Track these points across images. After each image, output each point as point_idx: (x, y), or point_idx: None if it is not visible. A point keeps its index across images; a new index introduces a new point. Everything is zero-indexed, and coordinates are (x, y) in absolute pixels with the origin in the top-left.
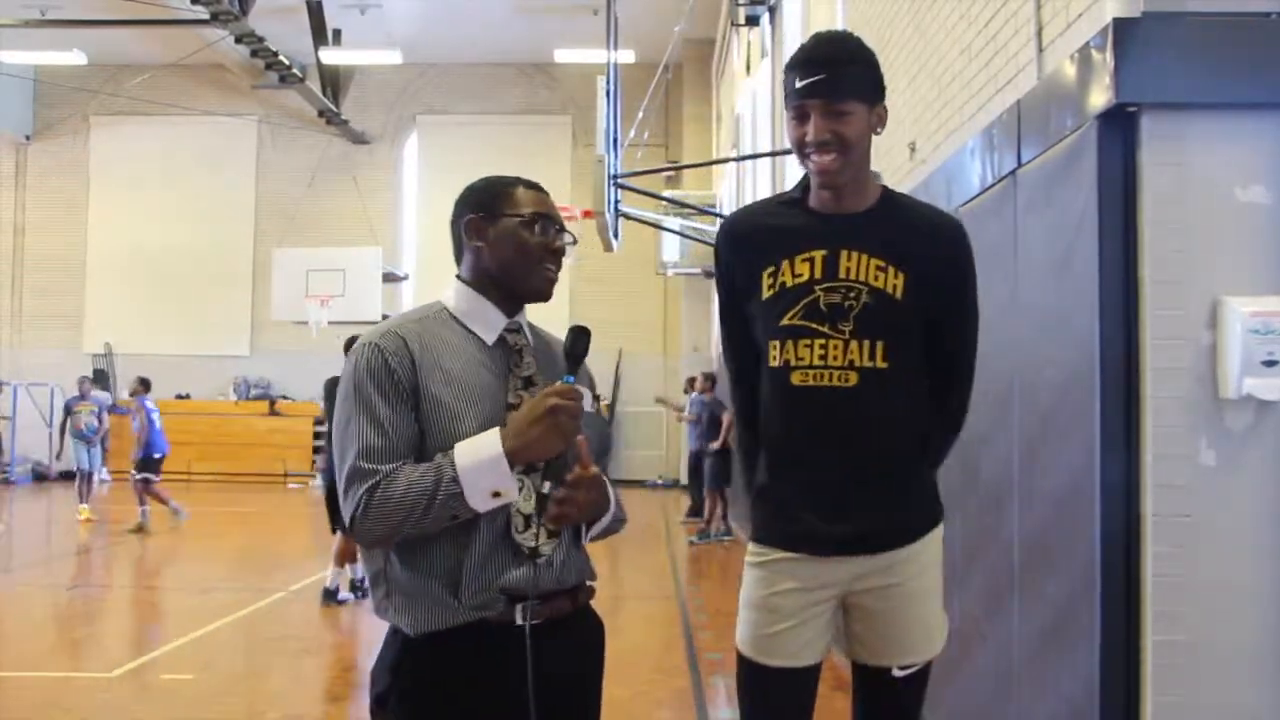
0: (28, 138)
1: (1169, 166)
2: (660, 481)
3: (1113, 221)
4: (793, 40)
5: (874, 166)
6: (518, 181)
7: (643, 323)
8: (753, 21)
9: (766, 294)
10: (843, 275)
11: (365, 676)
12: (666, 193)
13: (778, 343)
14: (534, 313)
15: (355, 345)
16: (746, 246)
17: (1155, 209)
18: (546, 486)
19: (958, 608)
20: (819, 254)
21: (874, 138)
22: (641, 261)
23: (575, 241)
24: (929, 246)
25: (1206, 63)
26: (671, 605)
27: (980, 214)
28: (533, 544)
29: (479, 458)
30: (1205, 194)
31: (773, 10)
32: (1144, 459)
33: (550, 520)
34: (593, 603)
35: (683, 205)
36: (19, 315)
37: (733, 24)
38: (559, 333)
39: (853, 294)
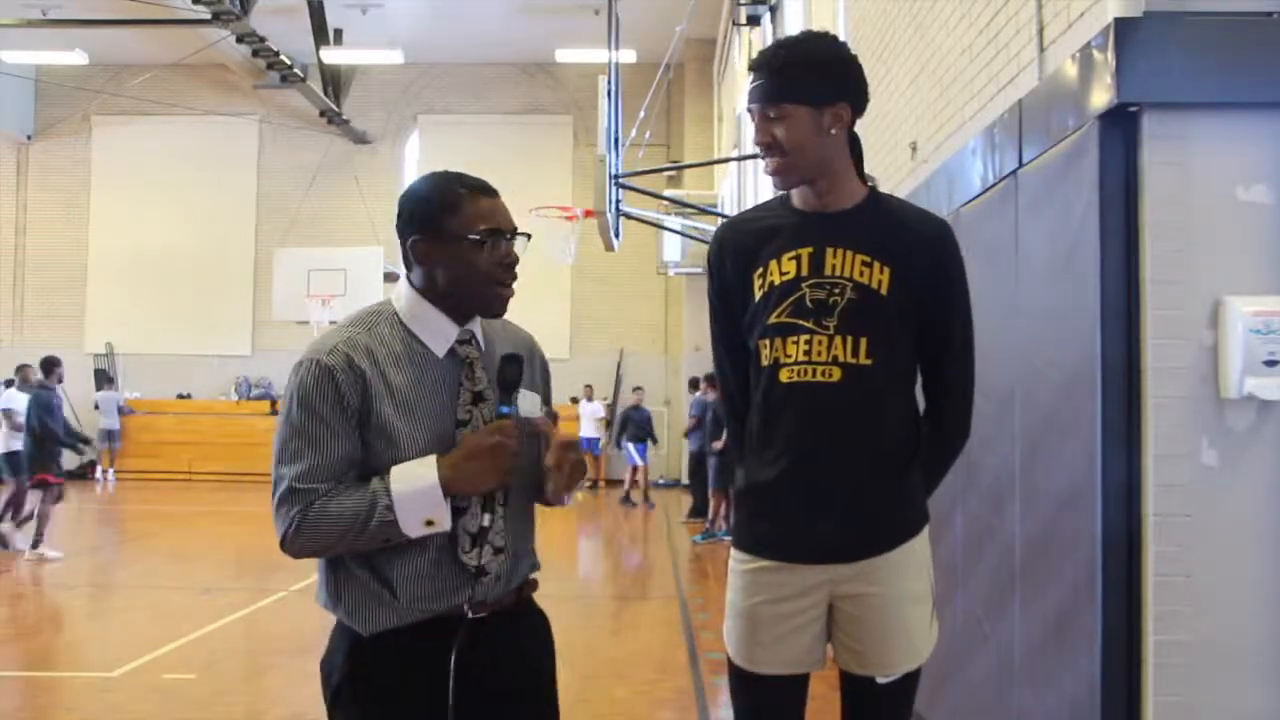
0: (29, 137)
1: (1170, 166)
2: (661, 481)
3: (1114, 221)
4: None
5: (874, 166)
6: (462, 188)
7: (644, 322)
8: (754, 21)
9: (758, 295)
10: (828, 272)
11: None
12: (668, 192)
13: (767, 341)
14: (538, 312)
15: (302, 360)
16: (737, 251)
17: (1156, 209)
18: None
19: (959, 607)
20: (805, 251)
21: (838, 136)
22: (642, 261)
23: (530, 238)
24: (914, 246)
25: (1208, 62)
26: (672, 605)
27: (981, 214)
28: (477, 563)
29: (414, 486)
30: (1206, 194)
31: (774, 10)
32: (1145, 459)
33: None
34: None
35: (684, 205)
36: (20, 315)
37: (734, 24)
38: (557, 334)
39: (837, 290)
